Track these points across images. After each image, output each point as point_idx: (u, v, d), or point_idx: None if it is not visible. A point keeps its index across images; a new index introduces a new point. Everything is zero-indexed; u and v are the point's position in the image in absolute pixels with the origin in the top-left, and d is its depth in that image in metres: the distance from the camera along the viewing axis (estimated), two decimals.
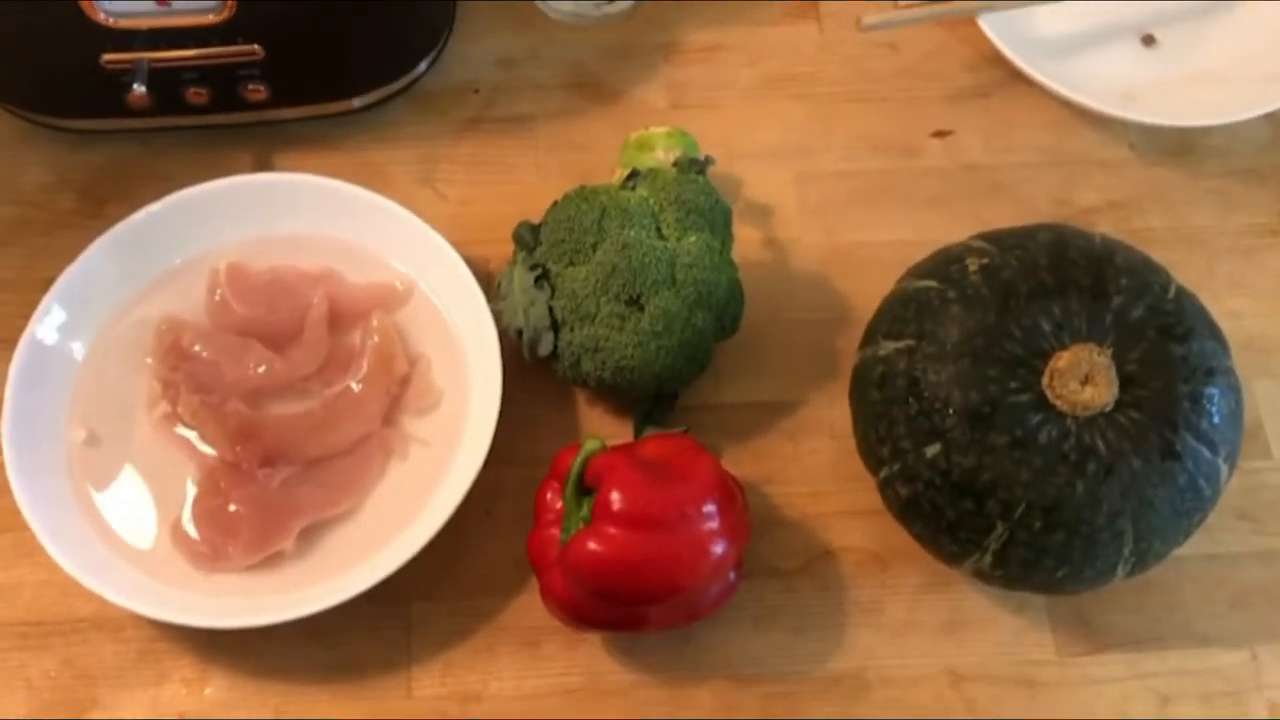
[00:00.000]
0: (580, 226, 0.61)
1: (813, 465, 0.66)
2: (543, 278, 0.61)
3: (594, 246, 0.60)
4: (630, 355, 0.60)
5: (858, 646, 0.62)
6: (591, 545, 0.55)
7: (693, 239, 0.61)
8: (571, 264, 0.61)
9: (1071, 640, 0.62)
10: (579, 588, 0.56)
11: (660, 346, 0.60)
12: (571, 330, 0.60)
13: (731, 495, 0.57)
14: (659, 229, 0.62)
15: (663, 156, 0.67)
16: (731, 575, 0.59)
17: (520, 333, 0.62)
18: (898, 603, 0.63)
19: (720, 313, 0.62)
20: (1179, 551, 0.62)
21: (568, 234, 0.61)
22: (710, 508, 0.56)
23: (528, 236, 0.63)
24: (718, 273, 0.61)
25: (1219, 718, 0.61)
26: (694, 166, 0.65)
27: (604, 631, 0.60)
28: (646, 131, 0.69)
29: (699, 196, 0.62)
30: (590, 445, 0.57)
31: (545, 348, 0.61)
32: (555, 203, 0.63)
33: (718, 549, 0.56)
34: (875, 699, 0.61)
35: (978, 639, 0.62)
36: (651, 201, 0.62)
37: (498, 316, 0.63)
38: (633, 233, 0.60)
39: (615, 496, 0.55)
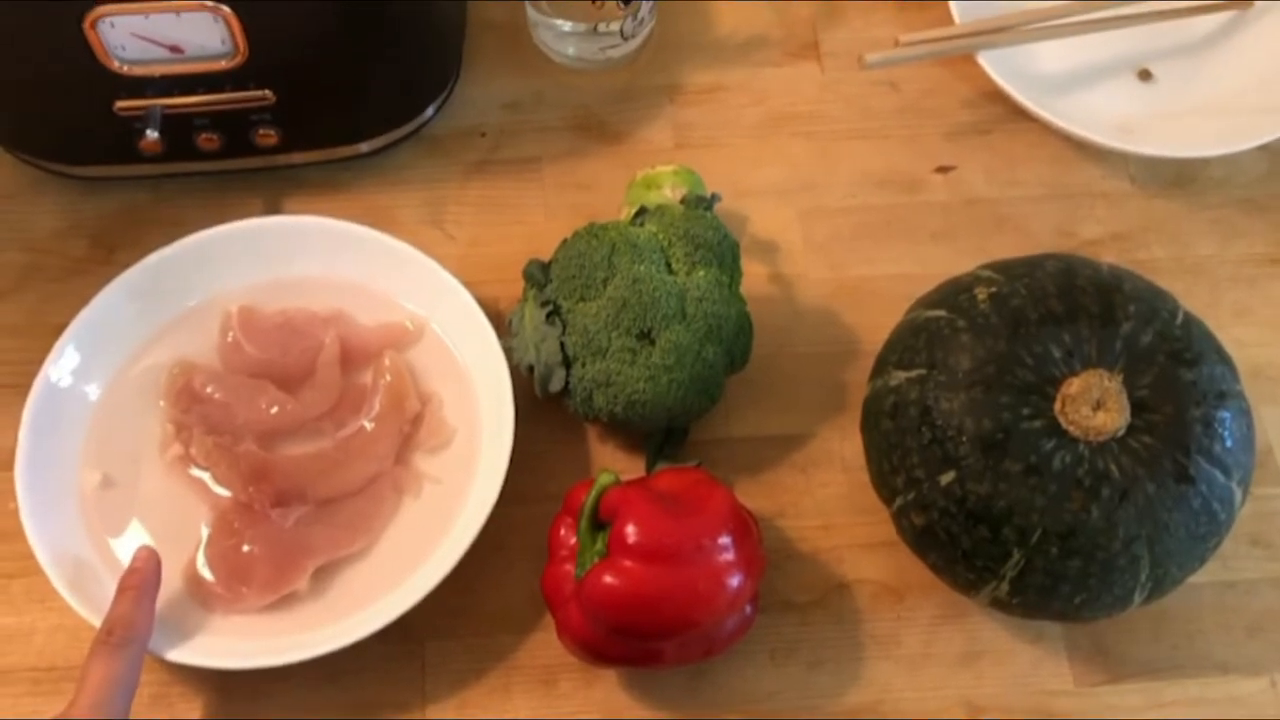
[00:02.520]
0: (591, 262, 0.61)
1: (825, 498, 0.66)
2: (554, 314, 0.62)
3: (605, 282, 0.61)
4: (642, 389, 0.60)
5: (874, 679, 0.62)
6: (607, 579, 0.55)
7: (702, 273, 0.62)
8: (582, 299, 0.61)
9: (1089, 670, 0.62)
10: (595, 623, 0.56)
11: (672, 380, 0.60)
12: (583, 365, 0.61)
13: (746, 527, 0.57)
14: (668, 264, 0.62)
15: (669, 194, 0.68)
16: (748, 609, 0.58)
17: (532, 369, 0.62)
18: (913, 635, 0.63)
19: (730, 346, 0.63)
20: (1195, 580, 0.62)
21: (578, 270, 0.61)
22: (725, 540, 0.56)
23: (538, 274, 0.63)
24: (727, 306, 0.62)
25: None
26: (701, 203, 0.66)
27: (620, 667, 0.60)
28: (653, 170, 0.70)
29: (707, 231, 0.62)
30: (604, 479, 0.57)
31: (557, 384, 0.62)
32: (565, 240, 0.64)
33: (734, 581, 0.56)
34: None
35: (995, 670, 0.62)
36: (660, 237, 0.63)
37: (509, 353, 0.63)
38: (643, 268, 0.61)
39: (630, 530, 0.55)
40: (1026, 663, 0.62)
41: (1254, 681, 0.62)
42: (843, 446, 0.66)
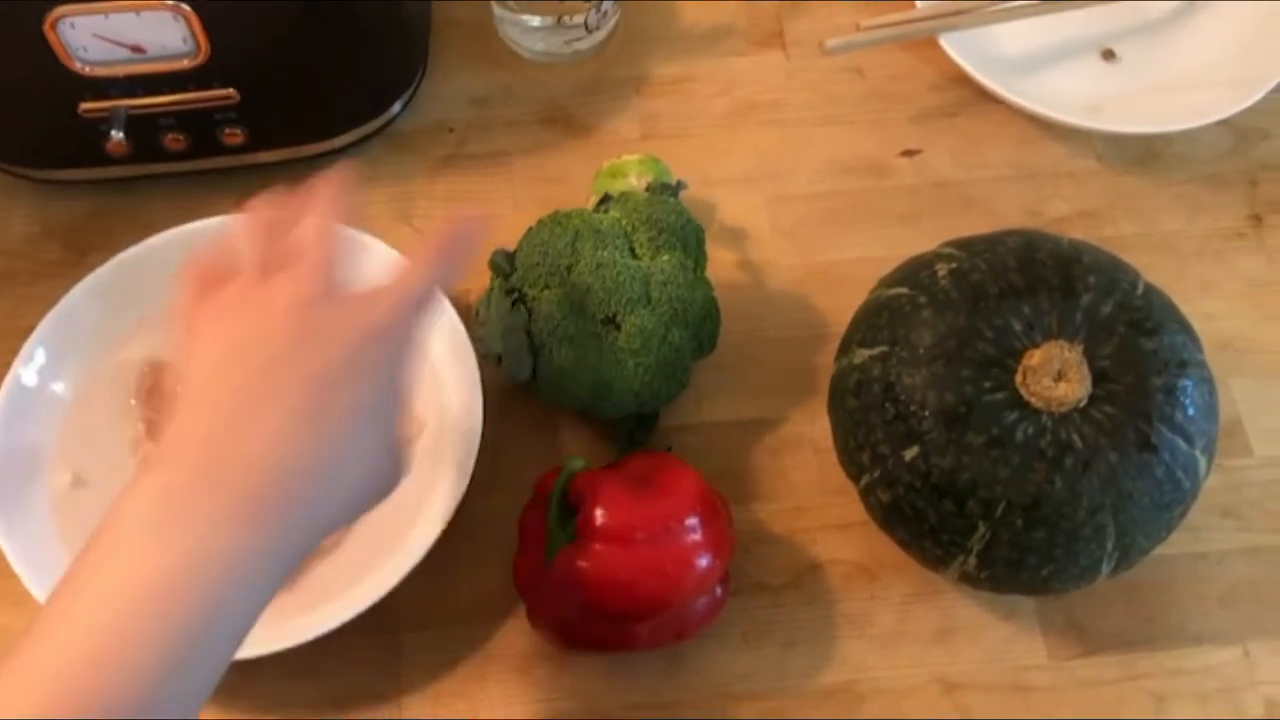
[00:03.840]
0: (554, 250, 0.61)
1: (796, 480, 0.66)
2: (519, 302, 0.62)
3: (569, 269, 0.61)
4: (608, 374, 0.60)
5: (848, 659, 0.62)
6: (577, 562, 0.55)
7: (666, 258, 0.62)
8: (547, 287, 0.61)
9: (1063, 644, 0.62)
10: (567, 607, 0.56)
11: (638, 364, 0.60)
12: (550, 352, 0.61)
13: (715, 508, 0.58)
14: (632, 249, 0.62)
15: (635, 182, 0.68)
16: (719, 590, 0.59)
17: (500, 358, 0.63)
18: (887, 613, 0.63)
19: (697, 330, 0.63)
20: (1166, 551, 0.63)
21: (542, 258, 0.61)
22: (693, 520, 0.56)
23: (503, 263, 0.64)
24: (692, 290, 0.62)
25: (1216, 717, 0.61)
26: (666, 191, 0.66)
27: (593, 652, 0.60)
28: (619, 160, 0.70)
29: (670, 216, 0.63)
30: (572, 464, 0.57)
31: (524, 372, 0.62)
32: (529, 229, 0.64)
33: (703, 562, 0.56)
34: (868, 711, 0.60)
35: (969, 646, 0.62)
36: (624, 223, 0.63)
37: (477, 344, 0.63)
38: (606, 253, 0.61)
39: (599, 513, 0.55)
40: (1000, 638, 0.62)
41: (1227, 651, 0.62)
42: (813, 429, 0.67)
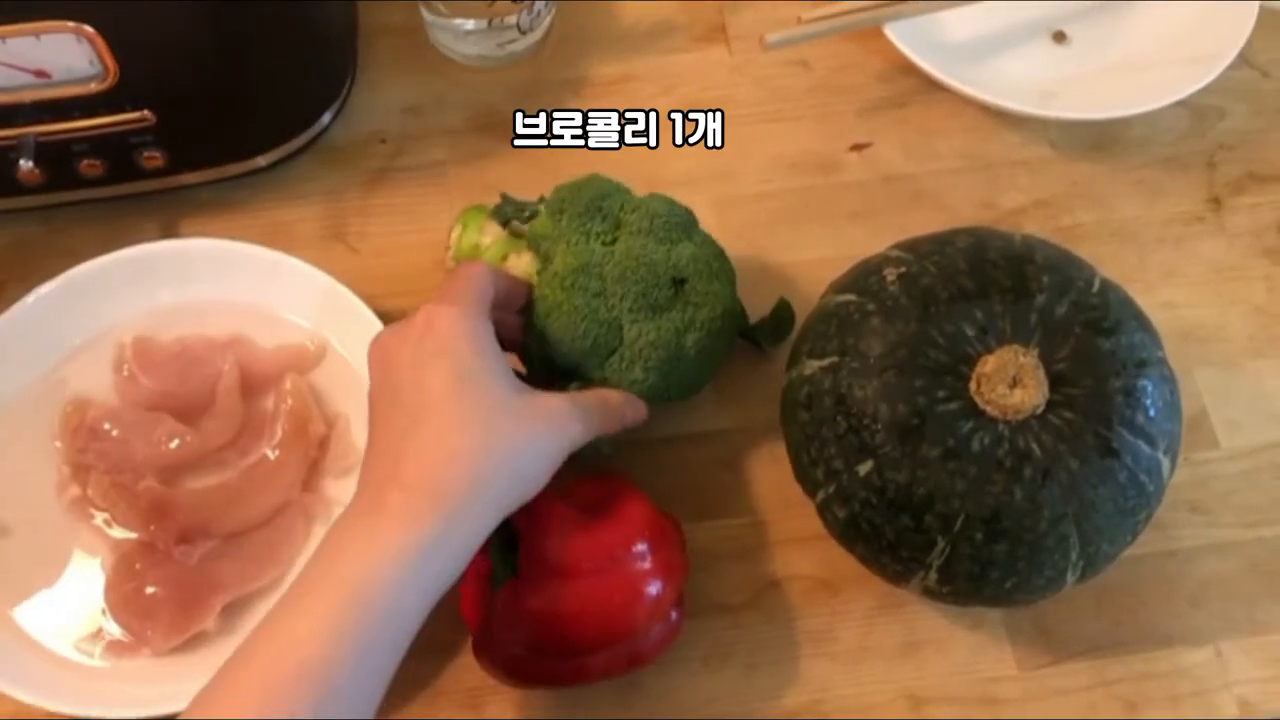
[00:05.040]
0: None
1: (753, 495, 0.64)
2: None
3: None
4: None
5: (812, 678, 0.60)
6: (520, 598, 0.53)
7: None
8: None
9: (1032, 653, 0.60)
10: (513, 643, 0.54)
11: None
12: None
13: (664, 533, 0.55)
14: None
15: (485, 239, 0.64)
16: (674, 615, 0.56)
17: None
18: (850, 629, 0.61)
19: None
20: (1134, 551, 0.61)
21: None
22: (641, 547, 0.54)
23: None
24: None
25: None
26: (516, 212, 0.64)
27: (545, 688, 0.58)
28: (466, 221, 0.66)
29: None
30: None
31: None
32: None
33: (652, 589, 0.54)
34: None
35: (935, 660, 0.60)
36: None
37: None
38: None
39: (542, 545, 0.53)
40: (968, 650, 0.60)
41: (1199, 652, 0.60)
42: (770, 440, 0.64)
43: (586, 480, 0.58)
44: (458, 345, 0.51)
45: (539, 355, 0.60)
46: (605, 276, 0.59)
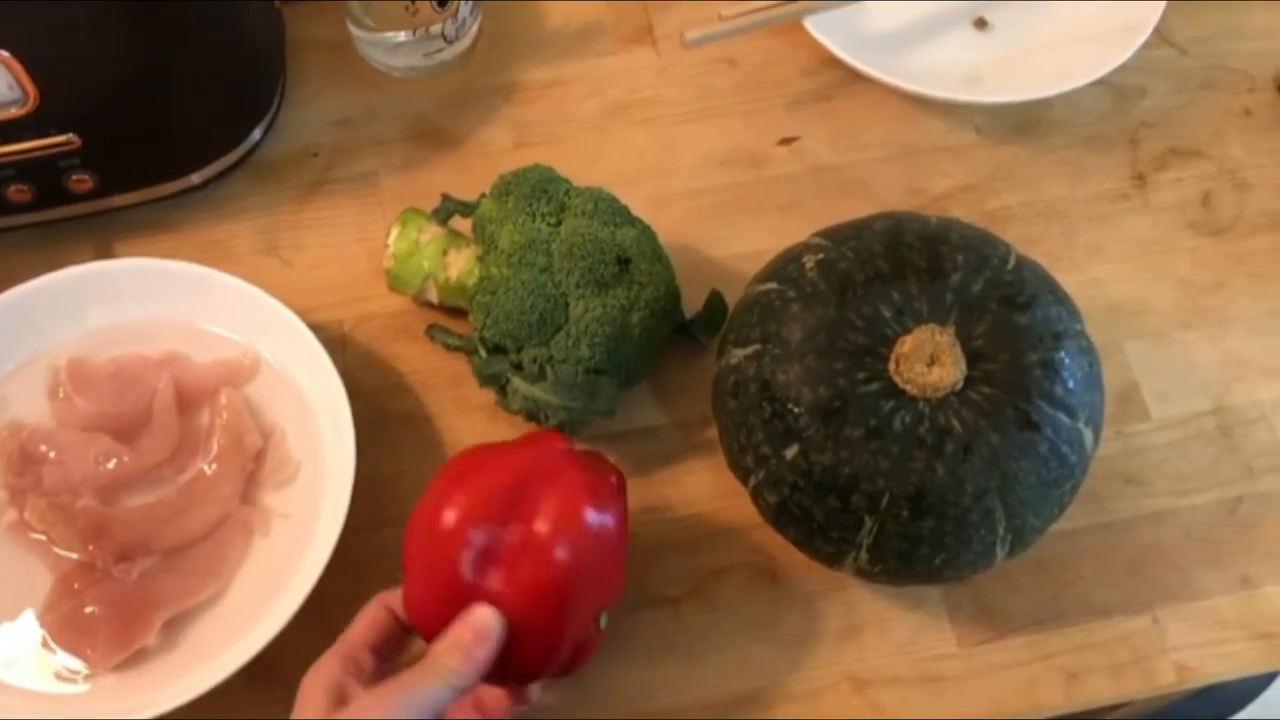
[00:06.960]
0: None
1: (692, 486, 0.64)
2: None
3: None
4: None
5: (756, 665, 0.60)
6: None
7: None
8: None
9: (972, 630, 0.61)
10: None
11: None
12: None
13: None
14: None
15: (422, 238, 0.65)
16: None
17: None
18: (792, 614, 0.61)
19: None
20: (1071, 525, 0.62)
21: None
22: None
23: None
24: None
25: (1128, 689, 0.60)
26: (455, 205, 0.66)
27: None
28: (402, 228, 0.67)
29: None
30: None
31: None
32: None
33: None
34: (779, 715, 0.59)
35: (877, 641, 0.61)
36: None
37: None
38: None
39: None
40: (908, 630, 0.61)
41: (1137, 620, 0.61)
42: (706, 432, 0.65)
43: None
44: None
45: (488, 339, 0.61)
46: (552, 253, 0.60)
